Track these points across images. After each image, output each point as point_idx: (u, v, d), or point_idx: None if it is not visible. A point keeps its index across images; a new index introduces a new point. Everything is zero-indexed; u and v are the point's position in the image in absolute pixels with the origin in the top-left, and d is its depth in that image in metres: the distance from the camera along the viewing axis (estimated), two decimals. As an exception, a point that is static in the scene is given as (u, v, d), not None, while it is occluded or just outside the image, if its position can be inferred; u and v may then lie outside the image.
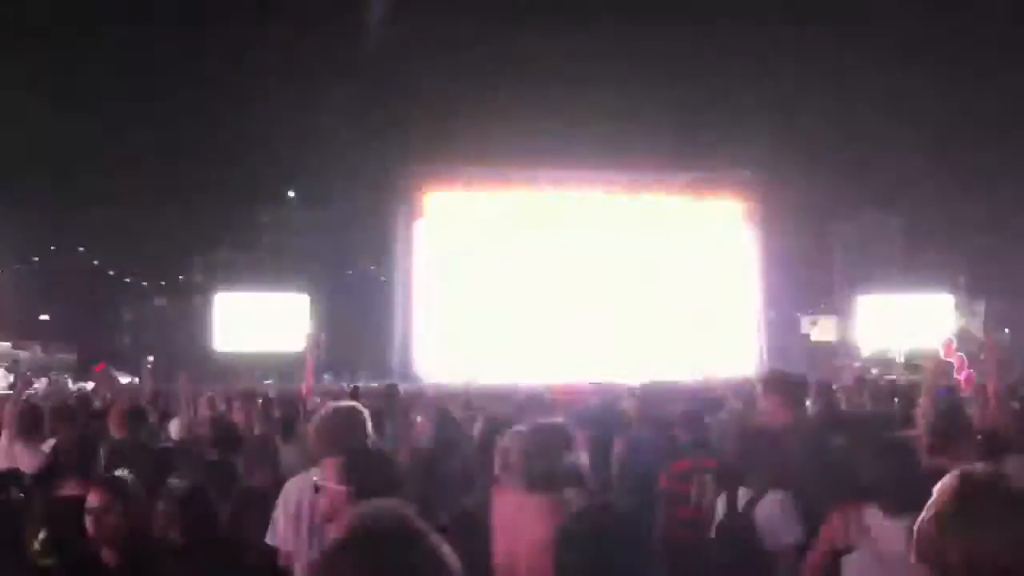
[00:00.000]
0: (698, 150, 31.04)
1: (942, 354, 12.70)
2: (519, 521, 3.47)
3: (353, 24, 31.27)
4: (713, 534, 4.38)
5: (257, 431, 6.74)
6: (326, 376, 27.66)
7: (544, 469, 3.59)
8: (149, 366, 27.28)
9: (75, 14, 32.07)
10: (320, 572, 1.51)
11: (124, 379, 27.08)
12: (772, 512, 4.11)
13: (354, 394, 10.36)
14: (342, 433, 4.30)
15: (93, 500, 3.64)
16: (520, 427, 3.92)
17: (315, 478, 3.77)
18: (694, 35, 32.54)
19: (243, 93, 32.71)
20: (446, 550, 1.52)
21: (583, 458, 3.79)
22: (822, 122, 32.20)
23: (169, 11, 31.17)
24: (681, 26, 32.37)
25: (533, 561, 3.09)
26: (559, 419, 4.04)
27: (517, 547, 3.43)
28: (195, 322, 38.40)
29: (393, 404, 7.39)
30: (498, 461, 4.54)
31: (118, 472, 3.91)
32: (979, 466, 2.00)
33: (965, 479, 1.92)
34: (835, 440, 5.67)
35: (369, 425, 4.45)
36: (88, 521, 3.61)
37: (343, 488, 3.40)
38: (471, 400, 10.72)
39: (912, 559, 1.96)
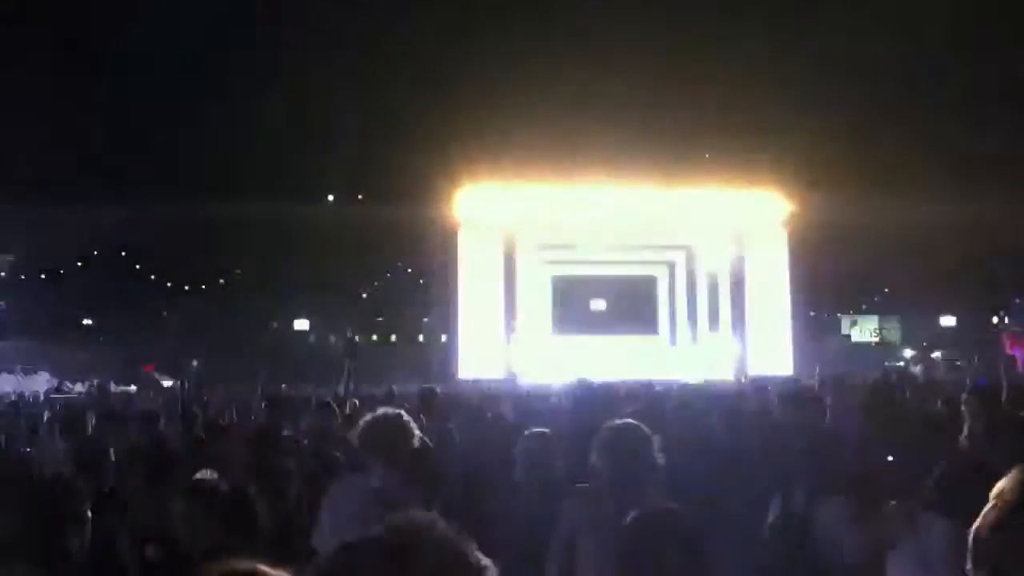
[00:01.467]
0: (734, 144, 30.81)
1: (1007, 348, 12.55)
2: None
3: (389, 24, 31.38)
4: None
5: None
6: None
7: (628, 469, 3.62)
8: (195, 369, 27.60)
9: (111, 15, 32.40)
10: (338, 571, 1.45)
11: (166, 382, 27.43)
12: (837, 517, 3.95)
13: (388, 397, 10.40)
14: (388, 438, 4.37)
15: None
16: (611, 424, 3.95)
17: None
18: (736, 27, 32.22)
19: (280, 96, 32.90)
20: (479, 557, 1.47)
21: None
22: (863, 120, 31.74)
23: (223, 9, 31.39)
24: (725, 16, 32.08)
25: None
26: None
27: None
28: (239, 324, 38.79)
29: (431, 406, 7.41)
30: (521, 462, 4.59)
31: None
32: None
33: None
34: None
35: (415, 429, 4.52)
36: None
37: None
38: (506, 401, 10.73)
39: (968, 564, 1.89)
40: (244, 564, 1.97)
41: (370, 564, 1.41)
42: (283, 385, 17.45)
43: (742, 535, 4.11)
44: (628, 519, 2.65)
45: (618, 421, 3.97)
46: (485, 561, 1.44)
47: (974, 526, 1.86)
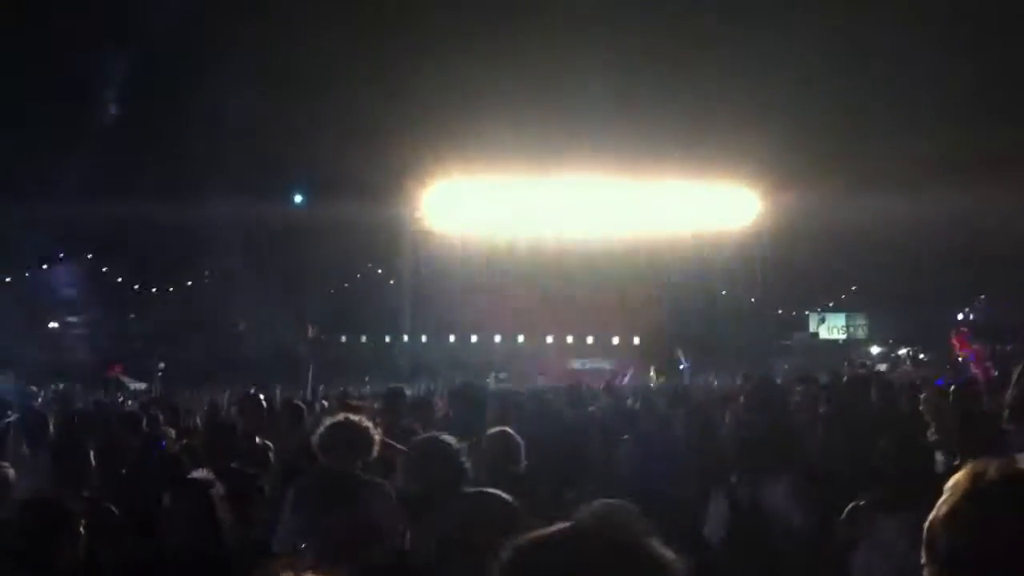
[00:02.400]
0: (706, 143, 30.95)
1: (956, 348, 12.69)
2: None
3: (353, 25, 31.23)
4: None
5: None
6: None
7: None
8: (160, 372, 27.35)
9: (81, 21, 32.07)
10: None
11: (134, 384, 27.20)
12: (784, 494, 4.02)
13: (342, 399, 10.23)
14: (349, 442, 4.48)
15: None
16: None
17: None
18: (706, 27, 32.35)
19: (248, 97, 32.66)
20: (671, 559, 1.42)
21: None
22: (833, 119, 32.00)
23: (177, 13, 31.12)
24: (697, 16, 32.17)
25: None
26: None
27: None
28: (205, 328, 38.54)
29: (397, 407, 7.37)
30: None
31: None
32: (993, 461, 1.92)
33: (979, 475, 1.86)
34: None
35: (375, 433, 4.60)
36: None
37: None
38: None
39: (922, 557, 1.92)
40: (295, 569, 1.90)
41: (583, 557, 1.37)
42: (251, 388, 17.31)
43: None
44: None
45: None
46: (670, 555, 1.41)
47: (928, 519, 1.89)
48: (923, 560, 1.87)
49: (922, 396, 6.37)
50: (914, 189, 29.63)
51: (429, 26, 32.76)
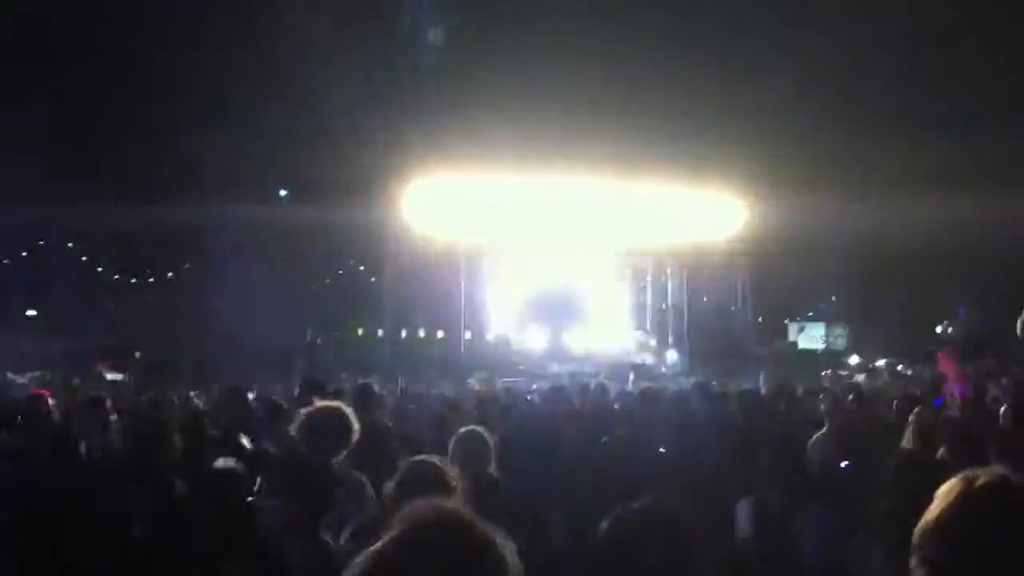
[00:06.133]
0: (691, 149, 31.06)
1: (939, 366, 12.70)
2: None
3: (343, 19, 31.17)
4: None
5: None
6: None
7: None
8: (141, 363, 27.16)
9: (67, 14, 31.89)
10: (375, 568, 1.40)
11: (111, 376, 27.01)
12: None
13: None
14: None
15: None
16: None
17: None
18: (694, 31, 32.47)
19: (234, 90, 32.56)
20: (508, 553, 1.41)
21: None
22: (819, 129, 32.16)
23: (163, 6, 31.04)
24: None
25: None
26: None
27: None
28: (184, 321, 38.28)
29: (368, 403, 7.35)
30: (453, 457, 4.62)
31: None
32: (984, 470, 1.96)
33: (970, 481, 1.89)
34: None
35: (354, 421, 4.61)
36: None
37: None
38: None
39: (912, 562, 1.94)
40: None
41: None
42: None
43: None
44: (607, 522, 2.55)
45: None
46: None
47: (918, 526, 1.92)
48: (912, 564, 1.90)
49: (915, 411, 6.38)
50: (898, 200, 29.81)
51: (415, 22, 32.79)
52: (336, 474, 4.37)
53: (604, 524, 2.59)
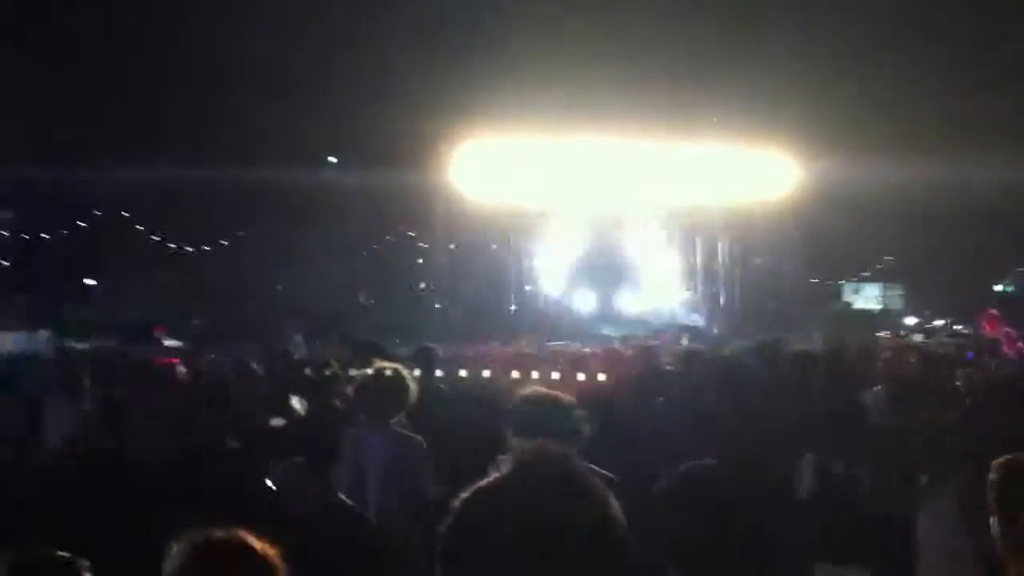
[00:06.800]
0: (742, 108, 30.61)
1: (987, 330, 12.49)
2: None
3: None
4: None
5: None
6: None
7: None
8: (195, 329, 27.56)
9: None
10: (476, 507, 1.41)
11: (168, 342, 27.47)
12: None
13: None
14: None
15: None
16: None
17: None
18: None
19: (282, 58, 32.67)
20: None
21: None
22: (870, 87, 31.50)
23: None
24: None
25: None
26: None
27: None
28: (238, 287, 38.78)
29: (431, 367, 7.37)
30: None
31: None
32: None
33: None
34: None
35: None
36: None
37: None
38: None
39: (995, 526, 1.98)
40: (223, 533, 2.15)
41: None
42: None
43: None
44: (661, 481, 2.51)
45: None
46: None
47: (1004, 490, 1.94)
48: (999, 529, 1.89)
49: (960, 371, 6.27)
50: (955, 155, 29.16)
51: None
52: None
53: (662, 483, 2.55)
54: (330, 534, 3.49)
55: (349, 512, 3.69)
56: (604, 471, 3.67)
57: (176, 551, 2.41)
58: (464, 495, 1.30)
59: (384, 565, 3.29)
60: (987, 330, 12.83)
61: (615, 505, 1.21)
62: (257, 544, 2.40)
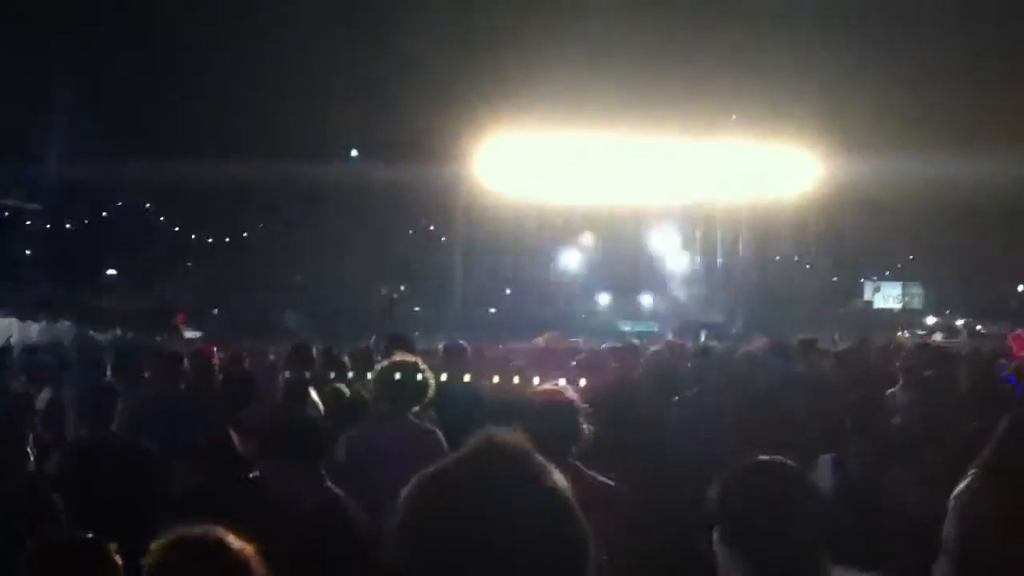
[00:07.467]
0: (763, 105, 30.46)
1: (1013, 350, 12.39)
2: None
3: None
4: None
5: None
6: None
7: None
8: (216, 320, 27.68)
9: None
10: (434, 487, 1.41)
11: (190, 334, 27.63)
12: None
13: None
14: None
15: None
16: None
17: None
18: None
19: (304, 50, 32.74)
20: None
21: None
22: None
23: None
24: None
25: None
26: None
27: None
28: (259, 279, 38.93)
29: (459, 361, 7.34)
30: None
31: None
32: None
33: None
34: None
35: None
36: None
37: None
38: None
39: None
40: (200, 532, 2.17)
41: None
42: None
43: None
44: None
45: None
46: None
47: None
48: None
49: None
50: (977, 157, 28.92)
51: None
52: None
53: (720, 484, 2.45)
54: (321, 530, 3.53)
55: (339, 504, 3.74)
56: (608, 480, 3.67)
57: (152, 548, 2.40)
58: (412, 481, 1.29)
59: (376, 559, 3.29)
60: (1014, 350, 12.69)
61: (570, 501, 1.19)
62: (233, 541, 2.40)
